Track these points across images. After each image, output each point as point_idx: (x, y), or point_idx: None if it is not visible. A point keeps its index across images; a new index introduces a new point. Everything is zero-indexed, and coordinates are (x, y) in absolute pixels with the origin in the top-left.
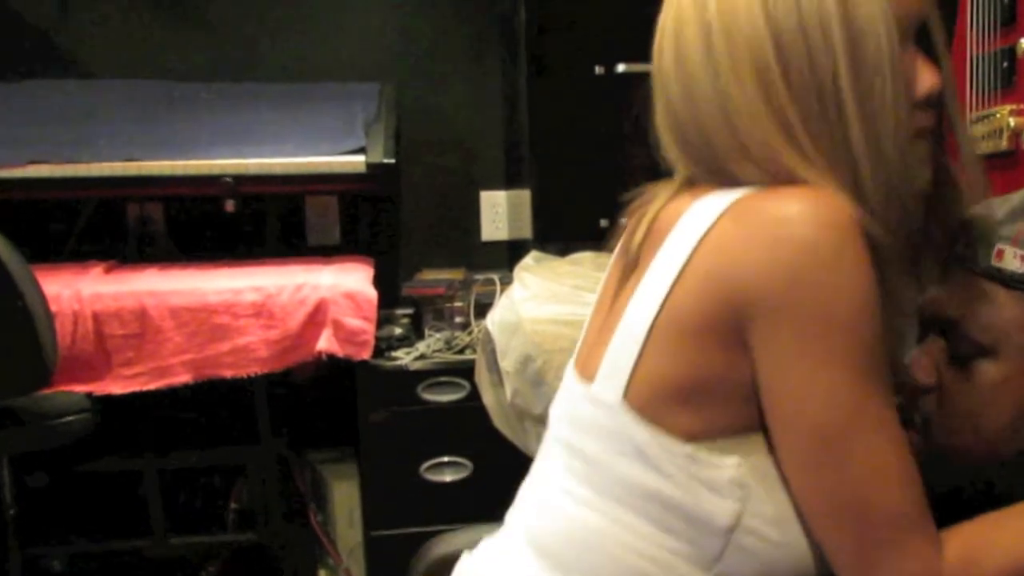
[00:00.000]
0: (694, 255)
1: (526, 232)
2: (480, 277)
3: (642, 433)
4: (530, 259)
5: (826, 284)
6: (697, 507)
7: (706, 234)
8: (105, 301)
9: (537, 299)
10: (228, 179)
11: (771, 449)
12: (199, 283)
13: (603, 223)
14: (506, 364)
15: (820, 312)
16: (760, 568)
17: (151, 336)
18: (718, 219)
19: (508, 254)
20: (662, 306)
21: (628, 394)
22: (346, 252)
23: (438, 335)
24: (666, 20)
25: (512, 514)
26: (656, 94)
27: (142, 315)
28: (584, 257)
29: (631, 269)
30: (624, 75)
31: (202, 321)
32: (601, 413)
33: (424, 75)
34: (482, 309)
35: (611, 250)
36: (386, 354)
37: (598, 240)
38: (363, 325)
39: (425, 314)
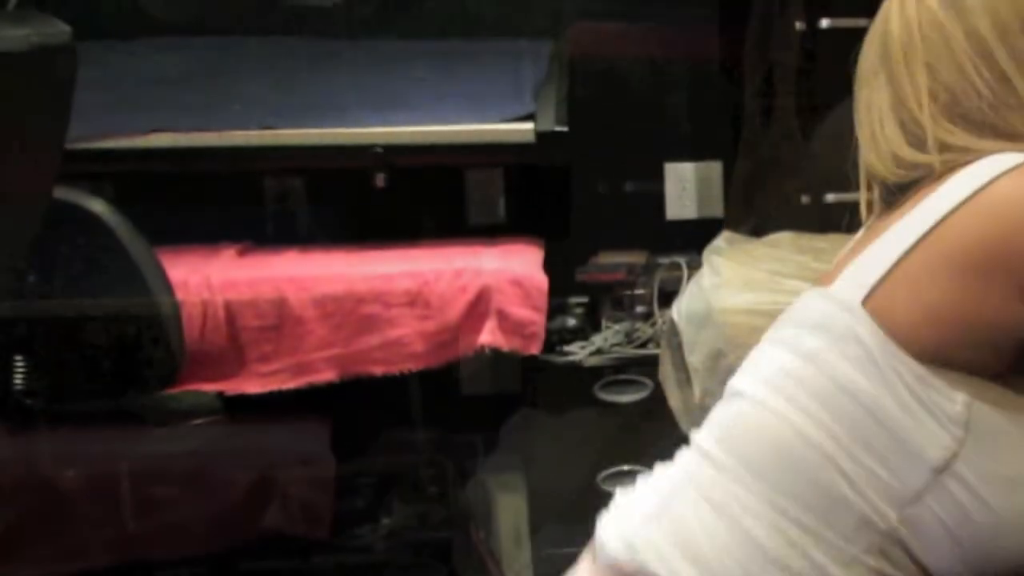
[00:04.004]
0: (978, 195)
1: (717, 210)
2: (665, 261)
3: (876, 339)
4: (721, 241)
5: None
6: (913, 432)
7: (992, 181)
8: (239, 289)
9: (730, 286)
10: (378, 149)
11: (1015, 410)
12: (345, 268)
13: (804, 200)
14: (695, 360)
15: None
16: (956, 529)
17: (291, 328)
18: (1007, 171)
19: (697, 235)
20: (938, 224)
21: (869, 300)
22: (512, 233)
23: (617, 327)
24: None
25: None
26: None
27: (280, 304)
28: (783, 238)
29: (889, 210)
30: (829, 31)
31: (349, 311)
32: (835, 310)
33: (601, 31)
34: (667, 297)
35: (812, 230)
36: (558, 348)
37: (799, 219)
38: (532, 315)
39: (602, 303)
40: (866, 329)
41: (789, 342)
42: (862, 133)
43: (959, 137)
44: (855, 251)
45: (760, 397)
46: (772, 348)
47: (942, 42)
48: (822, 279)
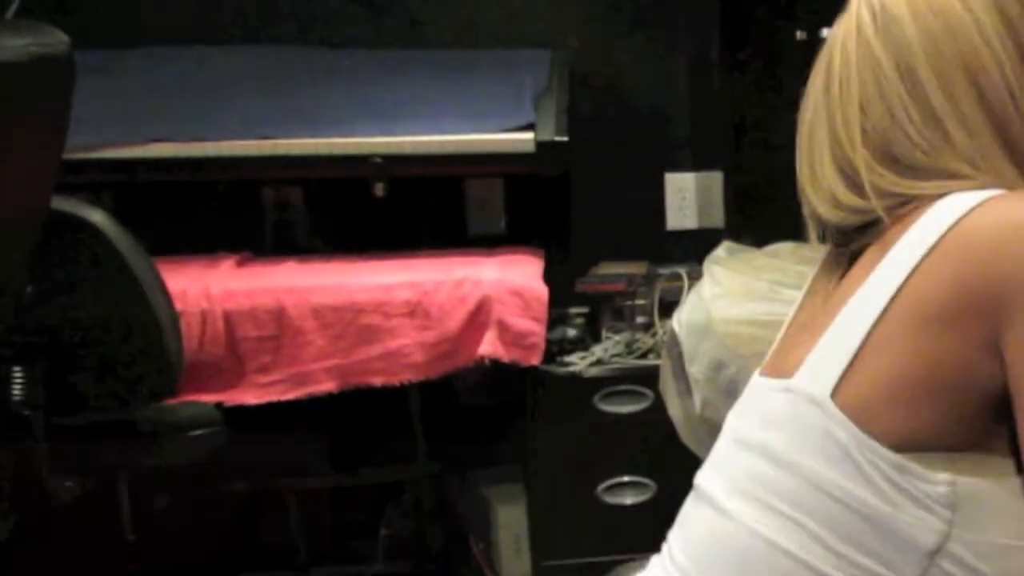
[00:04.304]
0: (943, 240)
1: (717, 220)
2: (665, 271)
3: (850, 435)
4: (722, 251)
5: None
6: (900, 522)
7: (955, 225)
8: (238, 299)
9: (730, 296)
10: (377, 159)
11: (998, 475)
12: (344, 278)
13: (806, 210)
14: (695, 370)
15: None
16: None
17: (290, 339)
18: (969, 211)
19: (697, 245)
20: (894, 297)
21: (837, 393)
22: (512, 243)
23: (617, 337)
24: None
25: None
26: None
27: (280, 315)
28: (784, 248)
29: (852, 261)
30: None
31: (348, 322)
32: (802, 408)
33: (601, 41)
34: (667, 308)
35: (815, 240)
36: (558, 359)
37: (800, 229)
38: (532, 326)
39: (602, 314)
40: (839, 425)
41: (756, 443)
42: (801, 167)
43: (892, 181)
44: (814, 327)
45: (729, 508)
46: (739, 450)
47: (874, 81)
48: (778, 360)
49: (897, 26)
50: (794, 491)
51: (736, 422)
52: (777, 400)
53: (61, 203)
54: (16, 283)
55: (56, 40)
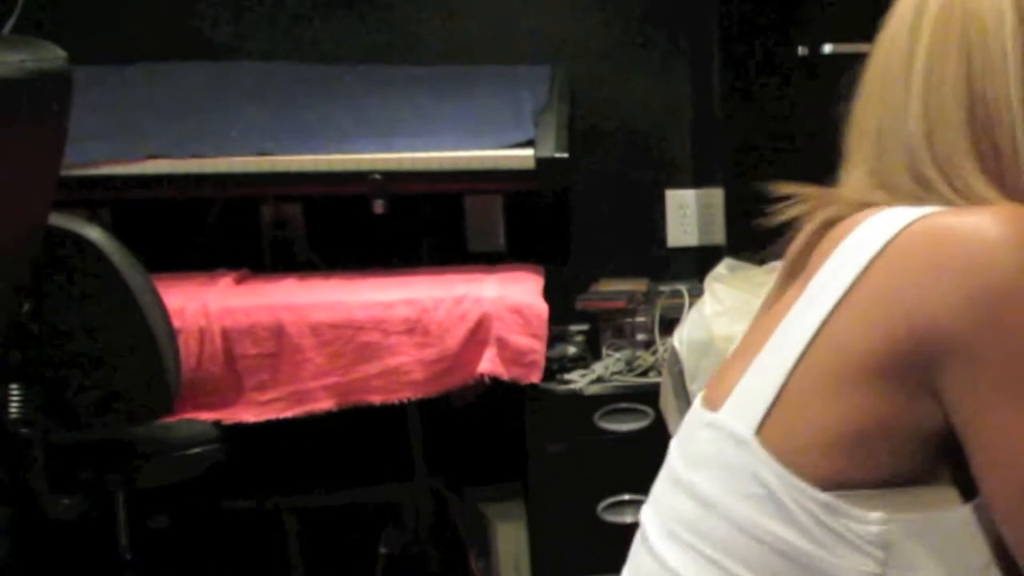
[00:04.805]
0: (864, 276)
1: (718, 237)
2: (666, 289)
3: (776, 475)
4: (723, 268)
5: None
6: (832, 564)
7: (881, 252)
8: (236, 316)
9: (731, 314)
10: (376, 176)
11: (943, 505)
12: (343, 296)
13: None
14: (696, 388)
15: None
16: None
17: (288, 356)
18: (897, 236)
19: (698, 262)
20: (818, 333)
21: (762, 430)
22: (512, 260)
23: (618, 355)
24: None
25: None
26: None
27: (278, 332)
28: None
29: (787, 285)
30: (832, 56)
31: (347, 339)
32: (727, 446)
33: (601, 56)
34: (668, 325)
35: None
36: (558, 377)
37: None
38: (532, 343)
39: (603, 331)
40: (764, 465)
41: (686, 482)
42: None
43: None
44: (748, 351)
45: (658, 549)
46: (672, 488)
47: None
48: (715, 384)
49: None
50: (723, 537)
51: (674, 454)
52: (704, 435)
53: (58, 219)
54: (13, 300)
55: (53, 56)
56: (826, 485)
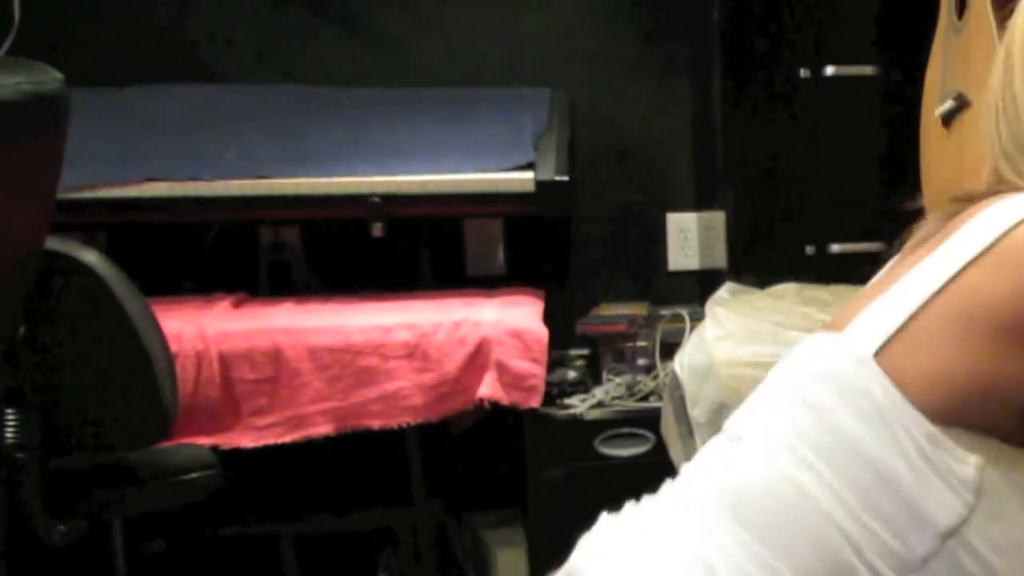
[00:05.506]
0: (1007, 235)
1: (720, 261)
2: (666, 313)
3: (888, 395)
4: (724, 292)
5: None
6: (922, 495)
7: (1008, 232)
8: (233, 340)
9: (733, 338)
10: (375, 199)
11: None
12: (342, 319)
13: (809, 250)
14: (697, 413)
15: None
16: None
17: (286, 381)
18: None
19: (699, 286)
20: (952, 279)
21: (883, 353)
22: (512, 284)
23: (618, 379)
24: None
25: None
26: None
27: (276, 356)
28: (787, 289)
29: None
30: (834, 79)
31: (346, 364)
32: (845, 361)
33: (601, 79)
34: (669, 350)
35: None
36: (558, 401)
37: (803, 270)
38: (531, 368)
39: (603, 355)
40: (877, 384)
41: (796, 392)
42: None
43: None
44: (875, 290)
45: (763, 451)
46: (778, 395)
47: None
48: (835, 320)
49: None
50: (827, 447)
51: (780, 369)
52: (824, 350)
53: (55, 243)
54: (8, 324)
55: (49, 78)
56: (934, 417)
